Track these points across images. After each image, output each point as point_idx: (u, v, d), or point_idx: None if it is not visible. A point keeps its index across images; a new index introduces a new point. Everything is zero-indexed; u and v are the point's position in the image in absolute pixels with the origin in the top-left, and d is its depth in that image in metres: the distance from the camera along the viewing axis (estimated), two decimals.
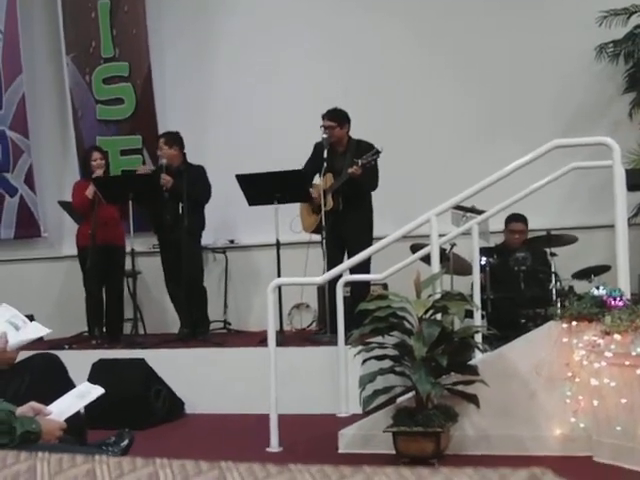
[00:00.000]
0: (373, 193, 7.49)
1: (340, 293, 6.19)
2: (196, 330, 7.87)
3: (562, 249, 7.59)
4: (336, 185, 7.31)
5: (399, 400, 5.12)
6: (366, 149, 7.34)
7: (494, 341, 5.62)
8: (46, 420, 3.03)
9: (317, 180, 7.51)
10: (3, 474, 1.01)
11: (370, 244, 7.12)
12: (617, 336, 4.40)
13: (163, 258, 8.14)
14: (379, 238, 6.04)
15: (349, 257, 7.15)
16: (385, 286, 7.67)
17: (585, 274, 7.39)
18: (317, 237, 7.57)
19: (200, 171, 7.98)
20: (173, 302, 8.25)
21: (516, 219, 7.79)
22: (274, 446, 5.17)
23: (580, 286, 7.20)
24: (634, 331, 4.36)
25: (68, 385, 3.79)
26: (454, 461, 4.65)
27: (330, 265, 6.85)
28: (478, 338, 5.55)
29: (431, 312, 4.81)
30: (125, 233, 7.91)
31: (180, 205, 7.64)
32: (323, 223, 7.13)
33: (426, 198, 7.11)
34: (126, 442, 4.23)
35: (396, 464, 4.62)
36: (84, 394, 3.41)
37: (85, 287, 8.10)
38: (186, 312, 8.09)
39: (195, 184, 7.76)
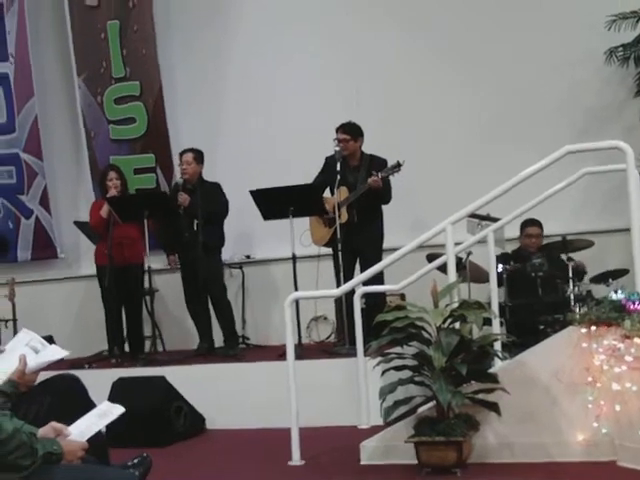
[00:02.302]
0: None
1: (358, 305, 6.18)
2: (228, 348, 7.89)
3: (579, 254, 7.56)
4: (352, 198, 7.32)
5: (420, 410, 5.11)
6: (380, 164, 7.35)
7: (513, 348, 5.60)
8: (67, 441, 3.03)
9: (327, 194, 7.52)
10: None
11: (381, 256, 7.13)
12: (637, 340, 4.37)
13: (183, 276, 8.15)
14: (393, 249, 6.02)
15: (361, 269, 7.15)
16: (402, 296, 7.66)
17: (603, 278, 7.36)
18: (327, 250, 7.57)
19: (216, 187, 8.02)
20: (194, 319, 8.24)
21: (532, 223, 7.84)
22: (296, 460, 5.15)
23: (598, 290, 7.17)
24: None
25: (88, 405, 3.78)
26: (477, 470, 4.63)
27: (345, 277, 6.85)
28: (497, 346, 5.54)
29: (449, 321, 4.80)
30: (144, 252, 7.87)
31: (195, 222, 7.67)
32: (338, 236, 7.12)
33: (438, 206, 7.13)
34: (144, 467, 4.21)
35: (419, 474, 4.62)
36: (105, 413, 3.41)
37: (104, 306, 8.13)
38: (206, 327, 8.09)
39: (212, 201, 7.79)
